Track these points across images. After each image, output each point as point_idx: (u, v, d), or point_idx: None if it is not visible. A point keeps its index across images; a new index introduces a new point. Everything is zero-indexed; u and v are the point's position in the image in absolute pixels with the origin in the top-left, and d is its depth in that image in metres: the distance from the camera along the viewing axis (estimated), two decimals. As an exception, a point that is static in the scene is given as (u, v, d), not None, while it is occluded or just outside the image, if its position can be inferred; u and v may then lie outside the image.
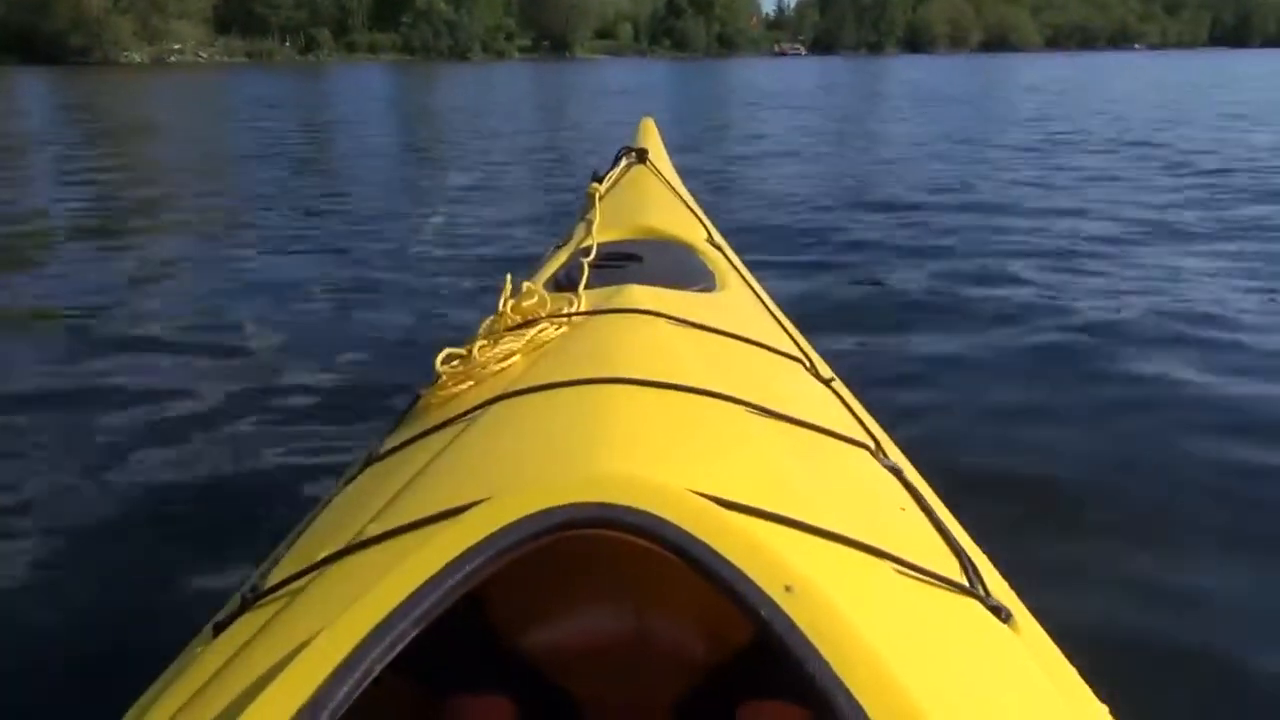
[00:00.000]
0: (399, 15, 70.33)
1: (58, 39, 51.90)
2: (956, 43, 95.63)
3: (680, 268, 1.83)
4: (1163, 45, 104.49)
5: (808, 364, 1.55)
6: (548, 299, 1.48)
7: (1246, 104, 16.60)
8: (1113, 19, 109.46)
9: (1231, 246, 5.35)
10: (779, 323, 1.77)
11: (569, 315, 1.44)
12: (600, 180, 2.41)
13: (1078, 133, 11.81)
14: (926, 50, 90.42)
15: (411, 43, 69.83)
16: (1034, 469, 2.54)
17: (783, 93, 24.33)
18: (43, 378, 3.45)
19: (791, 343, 1.65)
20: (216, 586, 1.05)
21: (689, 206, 2.39)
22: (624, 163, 2.61)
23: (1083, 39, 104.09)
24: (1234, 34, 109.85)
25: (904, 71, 39.51)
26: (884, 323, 3.91)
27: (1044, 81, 27.68)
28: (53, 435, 2.93)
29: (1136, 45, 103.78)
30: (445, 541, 0.71)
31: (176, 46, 57.59)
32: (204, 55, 59.22)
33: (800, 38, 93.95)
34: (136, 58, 54.21)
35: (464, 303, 4.23)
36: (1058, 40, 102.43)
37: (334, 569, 0.87)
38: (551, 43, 77.59)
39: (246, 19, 63.50)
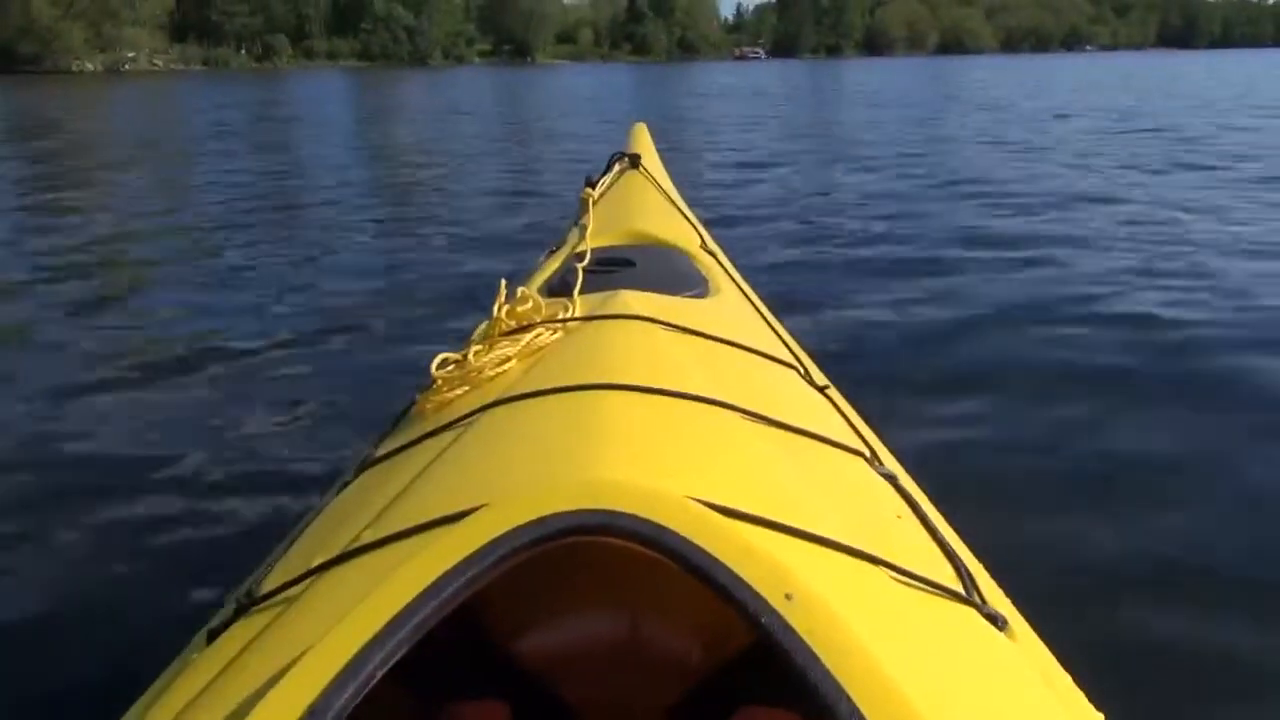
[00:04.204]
0: (357, 21, 69.74)
1: (6, 47, 50.72)
2: (914, 45, 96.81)
3: (674, 273, 1.83)
4: (1113, 46, 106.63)
5: (802, 370, 1.56)
6: (542, 304, 1.48)
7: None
8: (1065, 21, 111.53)
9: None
10: (773, 329, 1.77)
11: (564, 321, 1.43)
12: (594, 185, 2.40)
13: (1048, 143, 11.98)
14: (885, 53, 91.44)
15: (371, 49, 69.26)
16: (1028, 477, 2.54)
17: (748, 95, 24.50)
18: (31, 388, 3.39)
19: (786, 349, 1.65)
20: (210, 592, 1.06)
21: (682, 212, 2.39)
22: (617, 168, 2.61)
23: (1036, 41, 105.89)
24: (1181, 36, 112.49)
25: (859, 74, 39.92)
26: (877, 330, 3.90)
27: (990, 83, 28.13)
28: (42, 445, 2.88)
29: (1088, 47, 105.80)
30: (443, 548, 0.70)
31: (130, 54, 56.51)
32: (159, 63, 58.19)
33: (760, 41, 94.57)
34: (89, 66, 53.14)
35: (458, 307, 4.21)
36: (1012, 42, 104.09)
37: (330, 575, 0.86)
38: (512, 48, 77.37)
39: (202, 26, 62.56)
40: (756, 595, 0.66)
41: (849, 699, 0.59)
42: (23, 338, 4.11)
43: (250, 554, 1.09)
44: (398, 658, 0.64)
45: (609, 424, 1.01)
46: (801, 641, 0.62)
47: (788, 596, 0.66)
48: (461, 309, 4.10)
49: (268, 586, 0.91)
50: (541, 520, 0.72)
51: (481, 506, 0.76)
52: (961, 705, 0.73)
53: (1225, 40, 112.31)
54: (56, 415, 3.12)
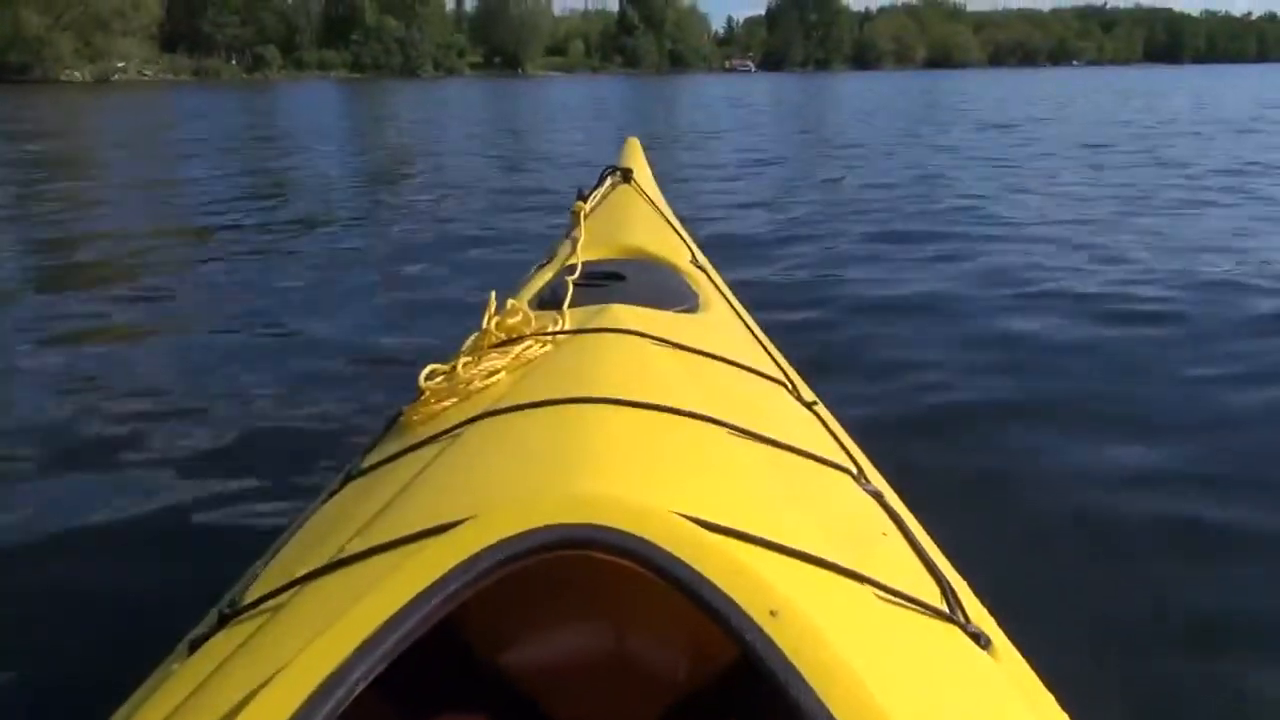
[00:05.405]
0: (348, 32, 69.85)
1: (-5, 56, 50.64)
2: (902, 59, 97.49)
3: (664, 288, 1.83)
4: (1099, 61, 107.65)
5: (790, 386, 1.56)
6: (532, 317, 1.48)
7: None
8: (1052, 36, 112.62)
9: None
10: (762, 344, 1.78)
11: (553, 334, 1.43)
12: (585, 199, 2.41)
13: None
14: (873, 66, 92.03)
15: (362, 60, 69.35)
16: (1015, 495, 2.54)
17: (739, 107, 24.61)
18: (14, 395, 3.39)
19: (774, 365, 1.65)
20: (193, 602, 1.06)
21: (673, 226, 2.39)
22: (609, 182, 2.62)
23: (1024, 55, 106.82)
24: (1166, 50, 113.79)
25: (848, 88, 40.14)
26: (866, 348, 3.88)
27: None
28: (31, 453, 2.86)
29: (1075, 61, 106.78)
30: (428, 561, 0.70)
31: (120, 64, 56.41)
32: (149, 73, 58.10)
33: (750, 54, 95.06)
34: (78, 76, 52.99)
35: (447, 319, 4.18)
36: (1000, 57, 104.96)
37: (314, 586, 0.86)
38: (503, 60, 77.58)
39: (192, 36, 62.57)
40: (741, 611, 0.66)
41: (831, 716, 0.60)
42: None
43: (235, 564, 1.10)
44: (380, 670, 0.64)
45: (596, 438, 1.01)
46: (785, 658, 0.63)
47: (772, 613, 0.66)
48: (451, 321, 4.09)
49: (251, 597, 0.90)
50: (526, 534, 0.72)
51: (467, 519, 0.75)
52: None
53: (1210, 55, 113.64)
54: (44, 423, 3.11)
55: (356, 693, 0.62)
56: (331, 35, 70.21)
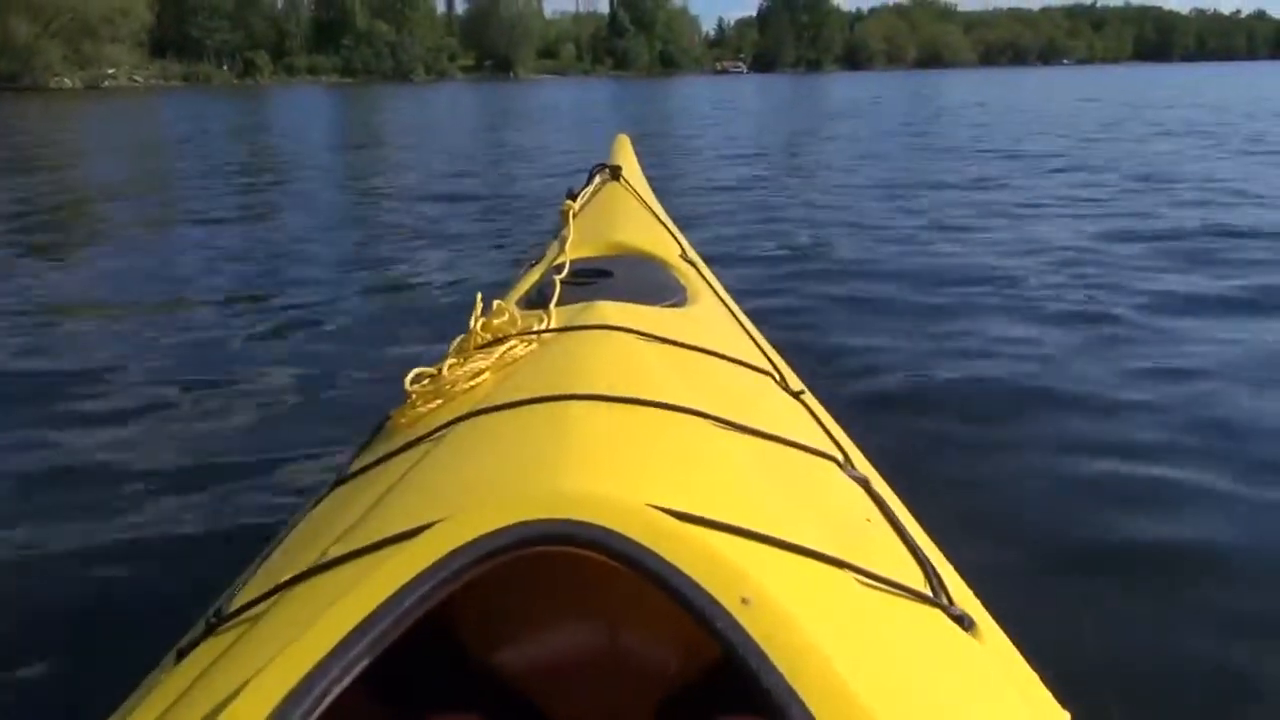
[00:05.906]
0: (339, 37, 69.73)
1: (-17, 64, 50.49)
2: (893, 60, 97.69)
3: (652, 283, 1.84)
4: (1090, 60, 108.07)
5: (777, 377, 1.56)
6: (518, 316, 1.48)
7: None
8: (1042, 35, 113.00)
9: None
10: (750, 336, 1.78)
11: (539, 332, 1.43)
12: (574, 197, 2.41)
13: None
14: (864, 67, 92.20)
15: (352, 64, 69.23)
16: (1004, 479, 2.55)
17: (731, 108, 24.65)
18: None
19: (762, 356, 1.65)
20: (182, 611, 1.07)
21: (662, 222, 2.40)
22: (598, 180, 2.62)
23: (1014, 55, 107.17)
24: (1156, 49, 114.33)
25: (840, 87, 40.24)
26: (856, 336, 3.91)
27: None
28: (21, 463, 2.85)
29: (1065, 60, 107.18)
30: (401, 563, 0.71)
31: (110, 71, 56.26)
32: (139, 79, 57.97)
33: (741, 55, 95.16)
34: (68, 83, 52.84)
35: (435, 322, 4.20)
36: (990, 56, 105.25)
37: (296, 591, 0.86)
38: (494, 63, 77.53)
39: (182, 42, 62.42)
40: (712, 600, 0.66)
41: (803, 704, 0.59)
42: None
43: (226, 572, 1.11)
44: (358, 673, 0.64)
45: (575, 434, 1.01)
46: (756, 646, 0.62)
47: (744, 601, 0.66)
48: (439, 324, 4.09)
49: (236, 604, 0.91)
50: (499, 532, 0.72)
51: (440, 520, 0.76)
52: (924, 707, 0.74)
53: (1200, 53, 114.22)
54: (34, 433, 3.08)
55: (334, 696, 0.62)
56: (322, 40, 70.05)
